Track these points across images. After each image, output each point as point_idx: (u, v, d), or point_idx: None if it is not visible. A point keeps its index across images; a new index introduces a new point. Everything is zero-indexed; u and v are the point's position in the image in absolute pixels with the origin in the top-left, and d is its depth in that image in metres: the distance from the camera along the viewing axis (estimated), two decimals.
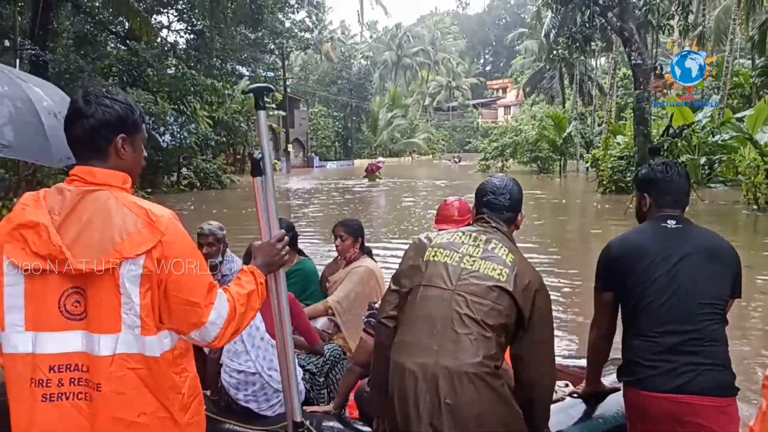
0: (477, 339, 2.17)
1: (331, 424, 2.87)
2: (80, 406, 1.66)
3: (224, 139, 27.81)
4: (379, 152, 59.99)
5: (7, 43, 19.05)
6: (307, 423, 2.71)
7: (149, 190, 25.69)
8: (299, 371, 3.22)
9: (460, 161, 55.44)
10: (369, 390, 2.58)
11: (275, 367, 3.01)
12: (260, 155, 2.16)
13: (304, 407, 2.93)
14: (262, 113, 2.23)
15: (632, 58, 16.03)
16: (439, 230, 3.39)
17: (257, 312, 1.92)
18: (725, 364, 2.34)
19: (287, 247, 2.12)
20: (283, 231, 2.13)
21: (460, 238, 2.42)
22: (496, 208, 2.52)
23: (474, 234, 2.43)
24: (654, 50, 33.05)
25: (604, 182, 22.53)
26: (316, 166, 53.35)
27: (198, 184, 28.16)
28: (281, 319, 2.23)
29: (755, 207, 15.52)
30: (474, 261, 2.33)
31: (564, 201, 21.47)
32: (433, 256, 2.37)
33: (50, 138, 3.05)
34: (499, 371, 2.19)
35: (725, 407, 2.31)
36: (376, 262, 4.29)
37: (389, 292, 2.44)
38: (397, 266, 2.53)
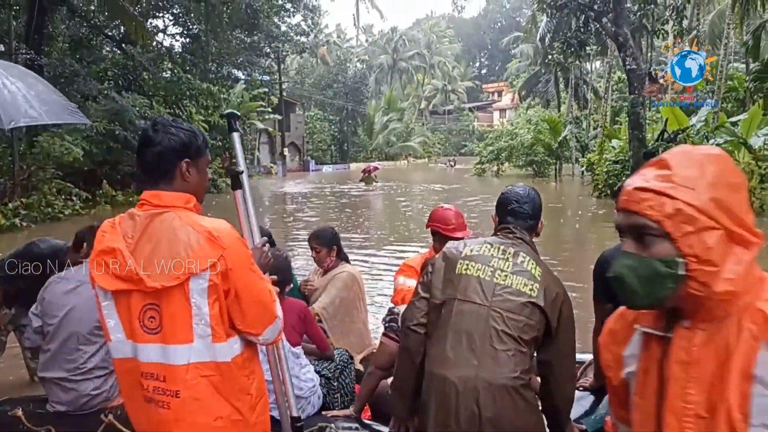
0: (514, 354, 2.28)
1: (351, 426, 2.95)
2: (164, 414, 1.83)
3: (220, 143, 27.78)
4: (375, 156, 60.01)
5: (1, 47, 19.00)
6: (331, 426, 2.88)
7: None
8: (316, 377, 3.31)
9: (455, 165, 55.39)
10: (391, 393, 2.61)
11: (295, 374, 3.10)
12: (240, 170, 2.39)
13: (324, 412, 3.13)
14: (235, 135, 2.54)
15: (627, 63, 16.07)
16: (432, 230, 3.71)
17: None
18: None
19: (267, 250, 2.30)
20: (265, 238, 2.34)
21: (489, 250, 2.50)
22: (521, 217, 2.62)
23: (502, 247, 2.51)
24: (649, 54, 33.17)
25: (600, 186, 22.58)
26: (312, 170, 53.31)
27: None
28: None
29: None
30: (506, 276, 2.41)
31: (560, 205, 21.49)
32: (465, 269, 2.44)
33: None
34: (530, 383, 2.32)
35: None
36: (353, 266, 4.40)
37: (419, 299, 2.51)
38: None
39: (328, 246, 4.18)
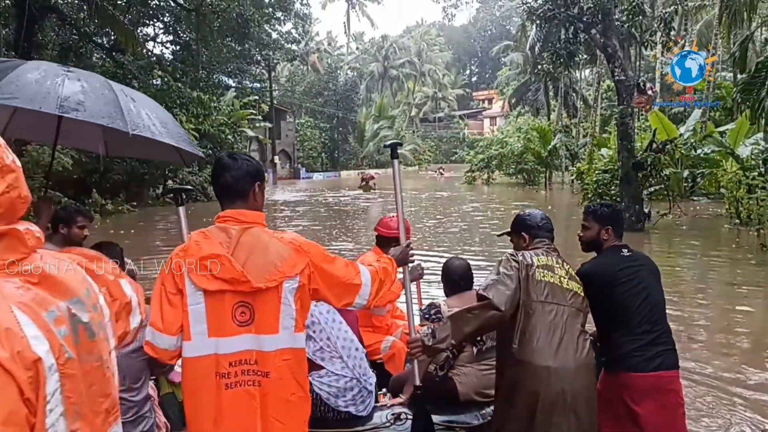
0: (586, 340, 3.05)
1: (405, 410, 3.50)
2: (251, 391, 2.24)
3: (210, 151, 27.70)
4: (365, 163, 60.08)
5: None
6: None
7: (134, 203, 25.59)
8: (371, 374, 3.72)
9: (444, 173, 55.08)
10: (452, 324, 3.03)
11: (368, 372, 3.61)
12: (178, 187, 2.87)
13: (378, 403, 3.63)
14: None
15: (616, 74, 16.15)
16: (381, 236, 4.55)
17: (392, 284, 2.65)
18: (674, 347, 3.36)
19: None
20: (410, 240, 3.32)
21: (551, 260, 3.20)
22: (550, 233, 3.43)
23: (556, 258, 3.24)
24: (638, 64, 33.40)
25: (589, 195, 22.64)
26: (303, 177, 53.29)
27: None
28: (407, 299, 3.29)
29: (737, 221, 15.67)
30: (567, 281, 3.15)
31: (549, 214, 21.60)
32: (543, 276, 3.09)
33: (124, 110, 3.30)
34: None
35: (678, 375, 3.37)
36: None
37: (501, 291, 3.01)
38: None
39: None
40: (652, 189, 17.03)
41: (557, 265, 3.17)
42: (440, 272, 4.10)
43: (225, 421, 2.23)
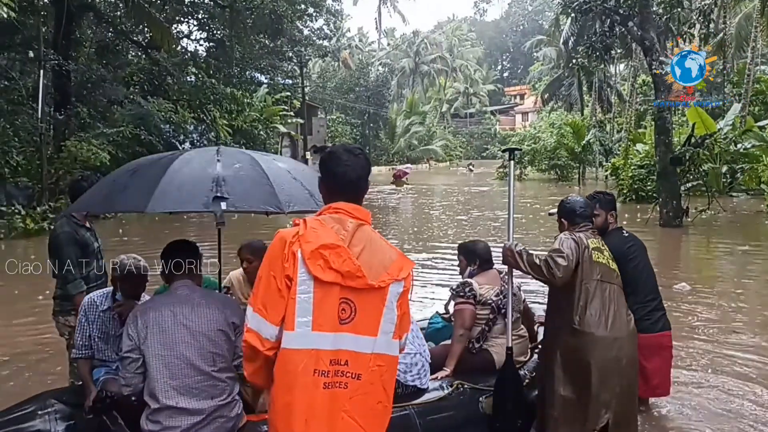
0: (629, 313, 3.70)
1: (461, 381, 3.84)
2: (341, 393, 2.11)
3: (243, 147, 27.92)
4: (396, 159, 59.96)
5: (31, 54, 19.29)
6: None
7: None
8: (427, 348, 3.97)
9: (474, 169, 54.48)
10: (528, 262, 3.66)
11: (425, 347, 3.86)
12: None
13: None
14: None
15: (653, 67, 15.85)
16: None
17: None
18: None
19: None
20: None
21: (597, 243, 3.72)
22: (590, 219, 3.88)
23: (596, 240, 3.74)
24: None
25: (624, 191, 22.35)
26: None
27: None
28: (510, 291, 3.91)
29: None
30: (611, 261, 3.72)
31: None
32: (597, 258, 3.63)
33: (276, 187, 3.08)
34: None
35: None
36: None
37: (560, 263, 3.51)
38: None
39: (260, 257, 4.23)
40: (690, 185, 16.66)
41: (602, 248, 3.72)
42: (459, 255, 4.52)
43: (317, 421, 2.10)
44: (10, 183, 16.44)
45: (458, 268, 4.55)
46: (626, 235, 4.27)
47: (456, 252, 4.62)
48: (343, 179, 2.26)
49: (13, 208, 15.31)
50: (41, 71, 17.29)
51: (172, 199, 2.92)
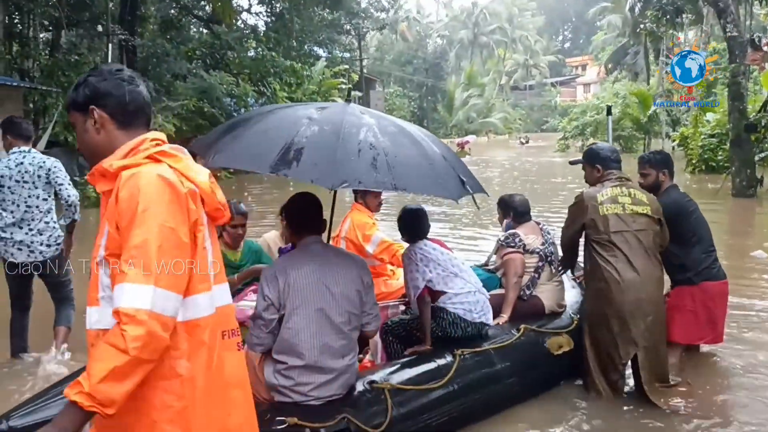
0: (655, 256, 3.94)
1: (527, 325, 4.10)
2: None
3: None
4: (455, 132, 59.40)
5: (99, 28, 19.82)
6: None
7: (231, 170, 26.39)
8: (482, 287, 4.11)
9: (527, 142, 52.91)
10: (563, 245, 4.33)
11: (481, 285, 3.96)
12: None
13: (409, 350, 3.71)
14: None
15: (727, 30, 15.11)
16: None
17: None
18: None
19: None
20: None
21: (615, 191, 3.95)
22: (618, 163, 4.17)
23: (623, 188, 3.97)
24: (748, 23, 31.14)
25: (693, 161, 21.57)
26: None
27: None
28: None
29: None
30: (632, 207, 3.92)
31: None
32: (607, 210, 3.89)
33: (339, 162, 2.68)
34: None
35: None
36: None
37: (564, 232, 4.20)
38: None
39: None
40: (765, 153, 15.92)
41: (621, 194, 3.93)
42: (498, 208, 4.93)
43: None
44: (81, 155, 17.00)
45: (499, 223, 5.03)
46: (682, 191, 4.48)
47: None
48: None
49: (85, 178, 15.82)
50: (109, 46, 17.74)
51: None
